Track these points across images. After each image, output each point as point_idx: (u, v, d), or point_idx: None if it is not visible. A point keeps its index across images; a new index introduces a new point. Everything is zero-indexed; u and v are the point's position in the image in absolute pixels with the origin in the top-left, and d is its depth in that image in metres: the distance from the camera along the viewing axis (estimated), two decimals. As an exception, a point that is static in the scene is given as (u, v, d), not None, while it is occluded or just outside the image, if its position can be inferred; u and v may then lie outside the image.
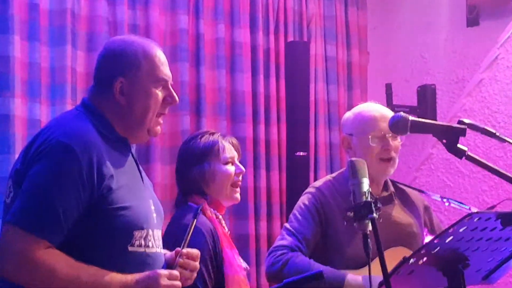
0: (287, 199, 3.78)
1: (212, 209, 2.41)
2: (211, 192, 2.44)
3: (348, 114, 2.73)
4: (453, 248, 1.96)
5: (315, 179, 3.98)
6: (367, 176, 2.00)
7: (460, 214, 2.15)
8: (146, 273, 1.78)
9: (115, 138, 1.89)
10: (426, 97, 4.12)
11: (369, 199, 1.92)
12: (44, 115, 3.25)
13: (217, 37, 3.81)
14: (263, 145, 3.90)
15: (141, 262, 1.81)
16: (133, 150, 1.97)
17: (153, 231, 1.86)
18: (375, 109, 2.66)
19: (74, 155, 1.74)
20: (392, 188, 2.72)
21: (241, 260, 2.42)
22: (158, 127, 1.94)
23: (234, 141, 2.53)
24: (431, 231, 2.75)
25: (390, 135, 2.59)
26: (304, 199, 2.66)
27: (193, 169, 2.43)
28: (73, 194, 1.74)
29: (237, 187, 2.48)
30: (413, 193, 2.79)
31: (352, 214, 1.93)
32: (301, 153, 3.66)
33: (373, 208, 1.90)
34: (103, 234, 1.76)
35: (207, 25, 3.80)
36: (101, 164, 1.78)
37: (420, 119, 2.09)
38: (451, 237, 1.91)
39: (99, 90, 1.92)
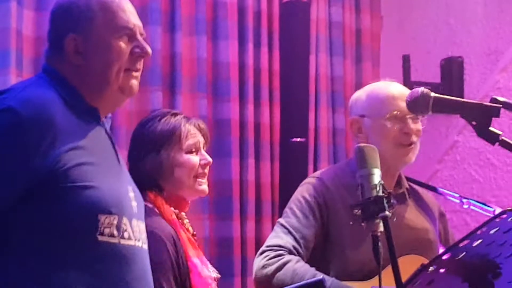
0: (281, 195, 3.79)
1: (172, 209, 2.41)
2: (169, 186, 2.43)
3: (359, 93, 2.75)
4: (482, 253, 1.97)
5: (315, 171, 3.97)
6: (379, 166, 2.00)
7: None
8: None
9: (84, 109, 1.92)
10: (452, 72, 4.13)
11: (380, 193, 1.93)
12: (-18, 88, 3.23)
13: (196, -5, 3.79)
14: (252, 129, 3.90)
15: (115, 255, 1.83)
16: (108, 126, 2.00)
17: (130, 220, 1.88)
18: (393, 86, 2.68)
19: (24, 125, 1.77)
20: (406, 185, 2.74)
21: (211, 269, 2.43)
22: (133, 82, 1.96)
23: (202, 125, 2.53)
24: (444, 242, 2.77)
25: (411, 116, 2.61)
26: (303, 191, 2.68)
27: (147, 158, 2.43)
28: (7, 170, 1.76)
29: (203, 178, 2.48)
30: (427, 195, 2.82)
31: (359, 211, 1.94)
32: (298, 139, 3.66)
33: (386, 205, 1.91)
34: (62, 218, 1.78)
35: (184, -19, 3.78)
36: (58, 136, 1.80)
37: (444, 96, 2.10)
38: (479, 241, 1.92)
39: (53, 53, 1.96)
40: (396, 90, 2.67)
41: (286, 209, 2.67)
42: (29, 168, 1.77)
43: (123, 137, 3.53)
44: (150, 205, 2.38)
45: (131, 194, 1.94)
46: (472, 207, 2.85)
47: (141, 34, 1.98)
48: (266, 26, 3.99)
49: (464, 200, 2.84)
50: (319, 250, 2.61)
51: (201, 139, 2.49)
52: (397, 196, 2.66)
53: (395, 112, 2.62)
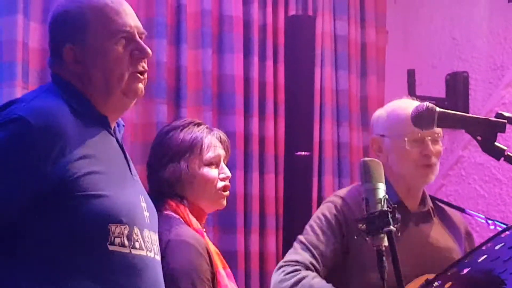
0: (285, 208, 3.78)
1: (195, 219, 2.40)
2: (188, 195, 2.42)
3: (381, 112, 2.76)
4: (487, 269, 1.97)
5: (320, 185, 3.99)
6: (383, 180, 2.00)
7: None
8: None
9: (94, 117, 1.91)
10: (457, 87, 4.13)
11: (385, 208, 1.93)
12: (-13, 99, 3.24)
13: (202, 8, 3.80)
14: (257, 142, 3.90)
15: (126, 265, 1.82)
16: (120, 135, 1.98)
17: (141, 231, 1.87)
18: (413, 106, 2.66)
19: (33, 134, 1.78)
20: (430, 204, 2.74)
21: (233, 284, 2.42)
22: (138, 84, 1.93)
23: (223, 136, 2.51)
24: None
25: (430, 138, 2.62)
26: (323, 209, 2.69)
27: (167, 167, 2.41)
28: (17, 178, 1.76)
29: (226, 191, 2.47)
30: (454, 214, 2.82)
31: (364, 226, 1.94)
32: (303, 153, 3.66)
33: (390, 219, 1.91)
34: (72, 227, 1.78)
35: (190, -6, 3.79)
36: (68, 145, 1.80)
37: (450, 111, 2.10)
38: (484, 256, 1.92)
39: (56, 62, 1.96)
40: None
41: (306, 226, 2.68)
42: (39, 177, 1.77)
43: (128, 149, 3.52)
44: (172, 214, 2.37)
45: (143, 205, 1.92)
46: (498, 228, 2.84)
47: (141, 34, 1.95)
48: (271, 40, 3.99)
49: (490, 221, 2.84)
50: (339, 270, 2.61)
51: (221, 152, 2.47)
52: (422, 214, 2.69)
53: (414, 134, 2.61)
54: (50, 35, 1.97)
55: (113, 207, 1.81)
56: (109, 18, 1.91)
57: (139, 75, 1.93)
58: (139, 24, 1.96)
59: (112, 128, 1.96)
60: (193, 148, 2.42)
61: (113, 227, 1.81)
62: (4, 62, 3.29)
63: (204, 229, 2.45)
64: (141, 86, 1.94)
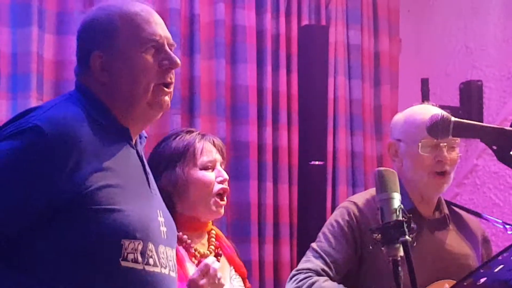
0: (299, 218, 3.78)
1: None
2: (182, 205, 2.40)
3: (398, 116, 2.76)
4: (504, 279, 1.96)
5: (333, 194, 3.98)
6: (399, 190, 2.00)
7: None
8: None
9: (115, 128, 1.88)
10: (471, 96, 4.12)
11: (400, 217, 1.93)
12: (3, 110, 3.27)
13: (215, 19, 3.82)
14: (270, 152, 3.90)
15: (139, 281, 1.79)
16: (140, 148, 1.95)
17: (157, 247, 1.84)
18: (430, 111, 2.65)
19: (49, 144, 1.75)
20: (446, 210, 2.72)
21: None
22: (164, 98, 1.89)
23: (217, 141, 2.49)
24: None
25: (446, 144, 2.61)
26: (336, 215, 2.68)
27: (162, 176, 2.39)
28: (31, 188, 1.74)
29: (221, 199, 2.43)
30: (471, 219, 2.80)
31: (379, 236, 1.93)
32: (317, 162, 3.66)
33: (406, 229, 1.90)
34: (85, 241, 1.76)
35: (203, 4, 3.80)
36: (84, 157, 1.77)
37: (465, 121, 2.09)
38: (501, 266, 1.91)
39: (82, 71, 1.92)
40: None
41: (319, 234, 2.67)
42: (53, 189, 1.75)
43: (142, 160, 3.54)
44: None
45: (161, 219, 1.89)
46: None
47: (171, 45, 1.92)
48: (285, 50, 4.00)
49: (507, 226, 2.82)
50: (353, 277, 2.60)
51: (217, 156, 2.45)
52: (437, 221, 2.67)
53: (429, 139, 2.59)
54: (78, 43, 1.94)
55: (127, 222, 1.78)
56: (139, 27, 1.89)
57: (165, 88, 1.89)
58: (168, 34, 1.93)
59: (134, 140, 1.92)
60: (186, 153, 2.41)
61: (126, 242, 1.78)
62: (19, 73, 3.31)
63: (198, 240, 2.43)
64: (167, 99, 1.90)
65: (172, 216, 2.31)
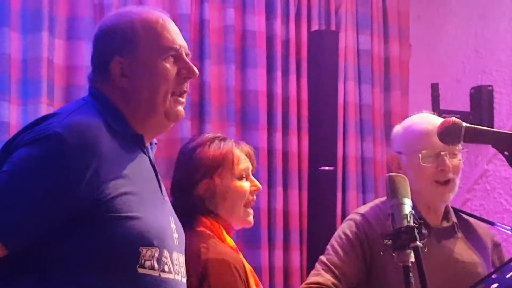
0: (309, 224, 3.78)
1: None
2: (219, 211, 2.42)
3: (398, 128, 2.73)
4: (515, 285, 1.95)
5: (343, 200, 3.98)
6: (409, 196, 1.99)
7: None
8: None
9: (130, 135, 1.89)
10: (481, 101, 4.11)
11: (411, 223, 1.92)
12: (13, 116, 3.27)
13: (224, 24, 3.82)
14: (280, 157, 3.90)
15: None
16: (152, 154, 1.96)
17: (171, 253, 1.85)
18: (428, 121, 2.64)
19: (69, 152, 1.75)
20: (454, 218, 2.71)
21: None
22: (179, 108, 1.91)
23: (249, 149, 2.50)
24: None
25: (446, 152, 2.59)
26: (344, 227, 2.66)
27: (199, 184, 2.40)
28: (51, 195, 1.74)
29: (250, 208, 2.47)
30: (479, 226, 2.77)
31: (390, 242, 1.93)
32: (326, 168, 3.65)
33: (417, 235, 1.90)
34: (103, 249, 1.76)
35: (213, 10, 3.81)
36: (103, 165, 1.78)
37: (476, 126, 2.09)
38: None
39: (98, 77, 1.92)
40: (430, 124, 2.60)
41: (328, 246, 2.65)
42: (73, 196, 1.75)
43: (152, 165, 3.55)
44: (206, 231, 2.36)
45: (173, 226, 1.90)
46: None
47: (187, 55, 1.94)
48: (295, 55, 4.00)
49: None
50: (362, 287, 2.59)
51: (249, 165, 2.47)
52: (445, 229, 2.65)
53: (429, 149, 2.58)
54: (95, 48, 1.94)
55: (145, 230, 1.79)
56: (160, 34, 1.90)
57: (180, 98, 1.91)
58: (185, 44, 1.95)
59: (146, 147, 1.94)
60: (225, 162, 2.42)
61: (144, 249, 1.79)
62: (29, 79, 3.32)
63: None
64: (182, 110, 1.92)
65: (215, 222, 2.34)
